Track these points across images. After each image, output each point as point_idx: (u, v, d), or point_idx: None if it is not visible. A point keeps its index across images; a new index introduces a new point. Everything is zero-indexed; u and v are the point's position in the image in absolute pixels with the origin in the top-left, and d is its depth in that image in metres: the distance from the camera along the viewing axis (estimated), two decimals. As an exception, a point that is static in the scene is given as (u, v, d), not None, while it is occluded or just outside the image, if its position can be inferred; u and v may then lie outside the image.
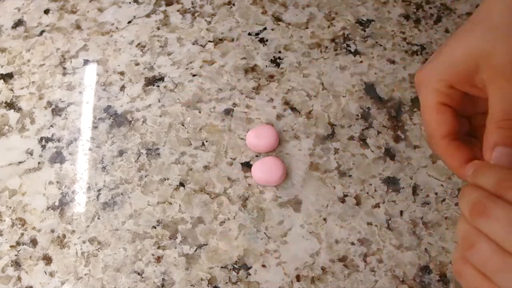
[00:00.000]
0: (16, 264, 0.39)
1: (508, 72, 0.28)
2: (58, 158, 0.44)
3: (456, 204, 0.40)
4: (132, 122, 0.45)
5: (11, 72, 0.49)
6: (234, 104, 0.46)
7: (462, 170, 0.27)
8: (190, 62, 0.48)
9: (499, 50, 0.27)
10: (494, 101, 0.28)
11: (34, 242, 0.40)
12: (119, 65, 0.49)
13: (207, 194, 0.42)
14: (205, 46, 0.49)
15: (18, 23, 0.52)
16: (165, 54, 0.49)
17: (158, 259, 0.39)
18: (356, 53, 0.48)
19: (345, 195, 0.41)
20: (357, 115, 0.45)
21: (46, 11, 0.53)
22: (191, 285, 0.38)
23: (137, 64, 0.49)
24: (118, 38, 0.50)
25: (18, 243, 0.40)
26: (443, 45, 0.29)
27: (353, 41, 0.48)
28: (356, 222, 0.40)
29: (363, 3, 0.50)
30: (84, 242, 0.40)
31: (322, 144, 0.43)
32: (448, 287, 0.38)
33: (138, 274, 0.39)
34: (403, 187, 0.41)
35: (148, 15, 0.52)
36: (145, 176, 0.43)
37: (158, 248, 0.39)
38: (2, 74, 0.49)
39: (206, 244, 0.39)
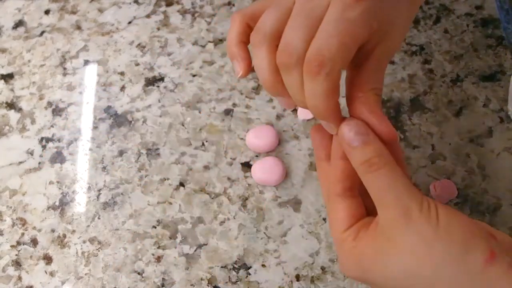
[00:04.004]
0: (17, 263, 0.40)
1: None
2: (58, 158, 0.44)
3: (456, 204, 0.40)
4: (132, 122, 0.46)
5: (12, 73, 0.49)
6: (234, 104, 0.46)
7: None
8: (190, 63, 0.49)
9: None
10: (375, 67, 0.28)
11: (34, 242, 0.40)
12: (119, 66, 0.49)
13: (207, 194, 0.42)
14: (205, 47, 0.49)
15: (19, 23, 0.52)
16: (165, 55, 0.49)
17: (158, 258, 0.39)
18: (355, 53, 0.48)
19: (345, 195, 0.41)
20: (357, 115, 0.45)
21: (47, 12, 0.53)
22: (191, 285, 0.38)
23: (137, 65, 0.49)
24: (118, 39, 0.51)
25: (18, 243, 0.40)
26: None
27: (352, 41, 0.48)
28: (355, 222, 0.40)
29: (362, 4, 0.51)
30: (84, 242, 0.40)
31: (322, 144, 0.43)
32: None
33: (138, 273, 0.39)
34: (402, 187, 0.41)
35: (148, 16, 0.52)
36: (145, 176, 0.43)
37: (158, 248, 0.40)
38: (2, 75, 0.49)
39: (206, 244, 0.40)
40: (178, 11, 0.52)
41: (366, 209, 0.28)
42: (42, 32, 0.51)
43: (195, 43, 0.50)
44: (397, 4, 0.28)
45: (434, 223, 0.24)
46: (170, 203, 0.41)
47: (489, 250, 0.23)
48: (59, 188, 0.43)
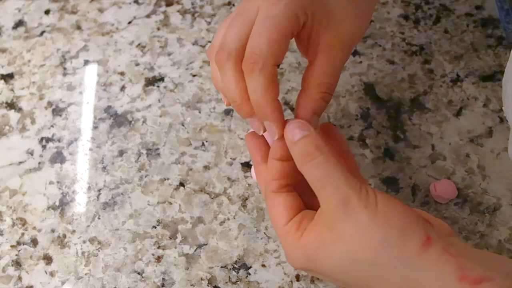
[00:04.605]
0: (17, 263, 0.40)
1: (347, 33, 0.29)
2: (58, 158, 0.44)
3: (456, 204, 0.40)
4: (132, 122, 0.46)
5: (12, 73, 0.49)
6: (234, 104, 0.46)
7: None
8: (190, 63, 0.49)
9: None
10: (323, 60, 0.29)
11: (34, 242, 0.40)
12: (119, 66, 0.49)
13: (207, 194, 0.42)
14: (205, 47, 0.49)
15: (19, 23, 0.52)
16: (165, 55, 0.49)
17: (158, 258, 0.39)
18: (355, 53, 0.48)
19: (345, 195, 0.41)
20: (357, 115, 0.45)
21: (47, 12, 0.53)
22: (191, 285, 0.38)
23: (137, 65, 0.49)
24: (118, 39, 0.51)
25: (18, 243, 0.40)
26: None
27: (352, 41, 0.48)
28: (355, 222, 0.40)
29: (362, 4, 0.51)
30: (84, 242, 0.40)
31: (322, 144, 0.43)
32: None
33: (138, 273, 0.39)
34: (402, 187, 0.41)
35: (148, 16, 0.52)
36: (145, 176, 0.43)
37: (158, 248, 0.40)
38: (2, 75, 0.49)
39: (206, 244, 0.40)
40: (178, 11, 0.52)
41: (306, 207, 0.30)
42: (42, 32, 0.51)
43: (195, 43, 0.50)
44: None
45: (372, 209, 0.24)
46: (170, 203, 0.41)
47: (425, 235, 0.24)
48: (59, 188, 0.43)
